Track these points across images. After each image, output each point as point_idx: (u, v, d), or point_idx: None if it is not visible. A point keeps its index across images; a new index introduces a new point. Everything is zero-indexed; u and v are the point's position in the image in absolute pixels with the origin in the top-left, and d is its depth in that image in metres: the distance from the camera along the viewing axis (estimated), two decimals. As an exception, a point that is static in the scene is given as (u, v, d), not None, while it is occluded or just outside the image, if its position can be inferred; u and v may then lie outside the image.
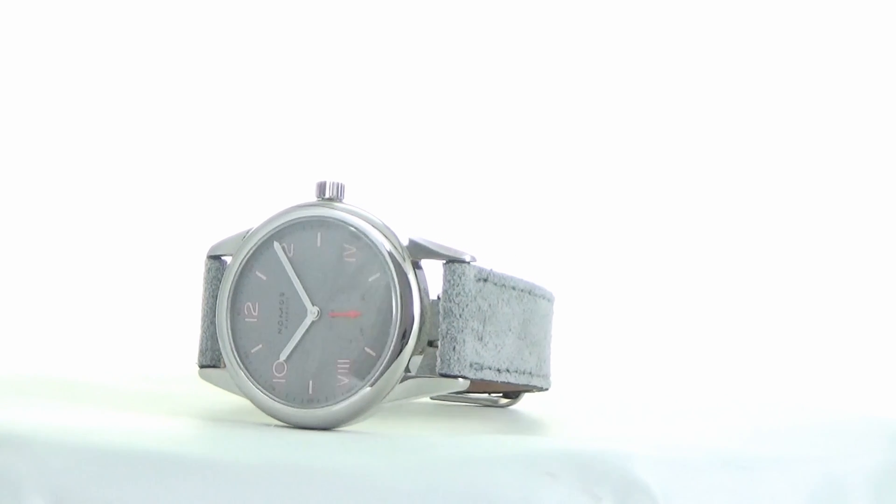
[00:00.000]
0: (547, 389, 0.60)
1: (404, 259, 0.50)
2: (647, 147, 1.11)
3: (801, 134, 1.10)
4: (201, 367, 0.53)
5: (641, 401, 0.67)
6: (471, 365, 0.50)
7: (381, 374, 0.49)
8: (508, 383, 0.53)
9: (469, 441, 0.41)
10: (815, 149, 1.10)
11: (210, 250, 0.54)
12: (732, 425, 0.50)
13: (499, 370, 0.52)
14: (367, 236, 0.50)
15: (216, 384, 0.53)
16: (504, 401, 0.64)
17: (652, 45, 1.11)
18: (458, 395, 0.66)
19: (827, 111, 1.10)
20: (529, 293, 0.55)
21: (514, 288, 0.53)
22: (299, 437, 0.46)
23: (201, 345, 0.53)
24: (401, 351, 0.49)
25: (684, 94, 1.11)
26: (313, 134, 1.08)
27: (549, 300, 0.57)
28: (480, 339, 0.51)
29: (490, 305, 0.51)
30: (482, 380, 0.51)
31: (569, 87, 1.10)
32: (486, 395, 0.65)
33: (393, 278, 0.49)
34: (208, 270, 0.54)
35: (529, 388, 0.61)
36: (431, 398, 0.67)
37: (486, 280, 0.51)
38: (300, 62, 1.08)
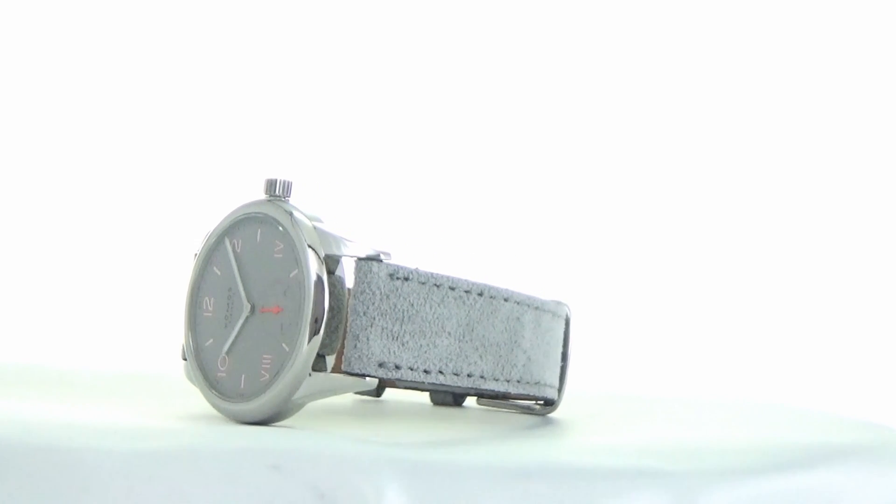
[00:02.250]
0: (538, 395, 0.58)
1: (320, 257, 0.50)
2: (642, 149, 1.05)
3: (797, 142, 1.02)
4: (183, 359, 0.55)
5: (641, 405, 0.63)
6: (380, 364, 0.49)
7: (290, 370, 0.49)
8: (444, 385, 0.52)
9: (230, 432, 0.41)
10: (811, 164, 1.02)
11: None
12: (649, 436, 0.47)
13: (426, 371, 0.51)
14: (289, 233, 0.51)
15: (186, 377, 0.55)
16: (539, 407, 0.62)
17: (631, 43, 1.05)
18: (501, 401, 0.64)
19: (826, 111, 1.02)
20: (480, 295, 0.53)
21: (452, 288, 0.52)
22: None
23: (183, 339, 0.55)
24: (307, 347, 0.49)
25: (676, 94, 1.05)
26: (310, 133, 1.07)
27: (523, 304, 0.55)
28: (395, 338, 0.50)
29: (411, 304, 0.50)
30: (401, 379, 0.50)
31: (565, 86, 1.06)
32: (528, 402, 0.63)
33: (307, 274, 0.50)
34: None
35: (516, 396, 0.59)
36: (478, 403, 0.66)
37: (406, 279, 0.50)
38: (293, 61, 1.08)
